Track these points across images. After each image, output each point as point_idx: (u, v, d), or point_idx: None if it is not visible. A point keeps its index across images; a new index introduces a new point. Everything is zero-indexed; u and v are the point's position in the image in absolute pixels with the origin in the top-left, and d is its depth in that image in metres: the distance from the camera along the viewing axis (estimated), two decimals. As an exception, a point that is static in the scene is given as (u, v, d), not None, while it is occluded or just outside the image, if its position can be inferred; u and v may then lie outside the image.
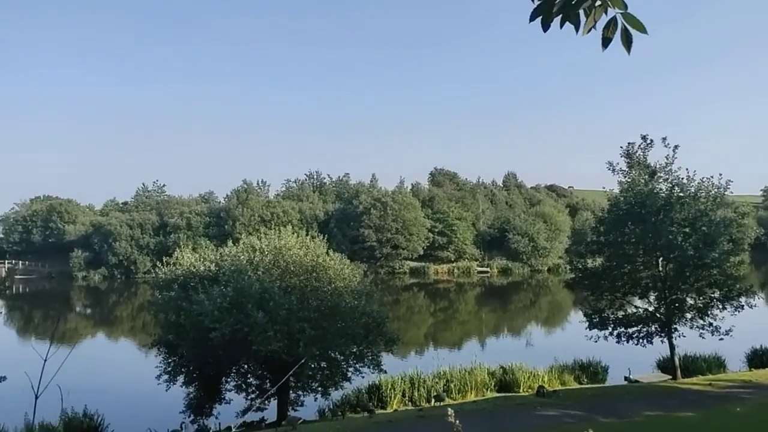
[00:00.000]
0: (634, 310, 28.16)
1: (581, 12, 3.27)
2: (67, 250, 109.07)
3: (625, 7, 3.23)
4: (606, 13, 3.26)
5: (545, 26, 3.35)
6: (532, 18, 3.35)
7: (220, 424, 24.23)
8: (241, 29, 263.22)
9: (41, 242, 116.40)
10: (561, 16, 3.31)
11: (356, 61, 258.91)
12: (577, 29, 3.33)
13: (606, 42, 3.31)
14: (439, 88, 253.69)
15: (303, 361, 22.18)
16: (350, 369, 25.46)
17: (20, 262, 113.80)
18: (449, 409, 2.43)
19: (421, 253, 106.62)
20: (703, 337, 26.73)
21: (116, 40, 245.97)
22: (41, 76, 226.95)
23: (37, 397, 2.42)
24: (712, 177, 27.09)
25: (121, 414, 25.79)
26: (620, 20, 3.24)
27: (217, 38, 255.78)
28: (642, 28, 3.23)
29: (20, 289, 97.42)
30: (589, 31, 3.29)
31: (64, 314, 74.75)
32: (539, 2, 3.32)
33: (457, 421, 2.30)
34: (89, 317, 71.78)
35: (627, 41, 3.25)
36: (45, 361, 2.47)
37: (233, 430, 23.59)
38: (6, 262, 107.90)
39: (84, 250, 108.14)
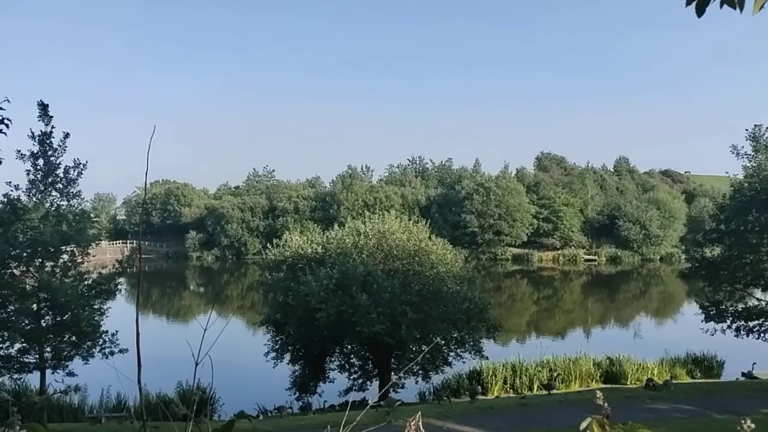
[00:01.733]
0: (756, 303, 26.60)
1: None
2: (183, 232, 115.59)
3: None
4: None
5: (701, 11, 3.25)
6: (689, 2, 3.26)
7: (325, 402, 25.09)
8: (338, 21, 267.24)
9: (159, 224, 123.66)
10: None
11: (459, 44, 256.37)
12: (740, 10, 3.20)
13: None
14: (546, 70, 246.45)
15: (416, 360, 22.55)
16: (451, 354, 25.64)
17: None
18: (598, 392, 2.49)
19: (525, 239, 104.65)
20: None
21: (227, 36, 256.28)
22: (161, 67, 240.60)
23: (197, 365, 2.73)
24: None
25: (231, 388, 27.19)
26: None
27: (319, 31, 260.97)
28: None
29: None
30: (761, 8, 3.16)
31: (181, 291, 79.50)
32: None
33: (606, 404, 2.34)
34: (202, 295, 75.90)
35: None
36: (204, 330, 2.78)
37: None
38: (128, 242, 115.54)
39: (198, 231, 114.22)
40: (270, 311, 27.01)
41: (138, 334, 3.32)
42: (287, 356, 26.42)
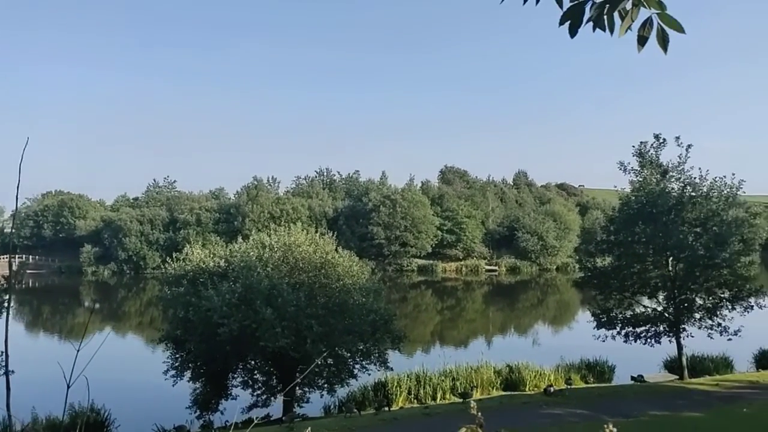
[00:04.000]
0: (643, 310, 28.11)
1: (616, 14, 3.25)
2: (77, 245, 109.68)
3: (663, 7, 3.20)
4: (638, 15, 3.23)
5: (573, 32, 3.33)
6: (562, 22, 3.32)
7: (226, 422, 24.36)
8: (247, 28, 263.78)
9: (52, 237, 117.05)
10: (592, 21, 3.29)
11: (368, 59, 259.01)
12: (611, 32, 3.31)
13: (642, 41, 3.27)
14: (450, 86, 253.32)
15: (317, 361, 22.30)
16: (356, 366, 25.55)
17: (30, 256, 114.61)
18: (472, 401, 2.52)
19: (430, 251, 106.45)
20: (711, 338, 26.67)
21: (126, 39, 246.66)
22: (52, 73, 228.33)
23: (69, 387, 2.52)
24: (724, 177, 26.97)
25: (128, 409, 25.96)
26: (656, 20, 3.21)
27: (225, 37, 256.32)
28: (679, 28, 3.20)
29: (30, 284, 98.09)
30: (626, 31, 3.28)
31: (75, 308, 75.25)
32: (569, 6, 3.29)
33: (479, 414, 2.38)
34: (98, 312, 72.21)
35: (663, 41, 3.23)
36: (77, 351, 2.57)
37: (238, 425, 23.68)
38: (17, 256, 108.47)
39: (94, 245, 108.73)
40: (169, 327, 25.98)
41: (7, 356, 3.05)
42: (188, 373, 25.45)
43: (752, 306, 26.19)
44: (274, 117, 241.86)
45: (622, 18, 3.25)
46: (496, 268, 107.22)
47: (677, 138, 26.91)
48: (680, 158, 27.06)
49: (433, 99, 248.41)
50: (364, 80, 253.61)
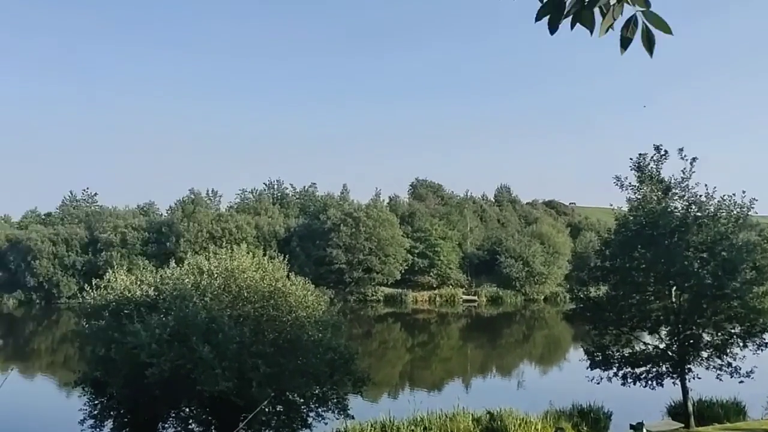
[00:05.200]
0: (643, 347, 28.40)
1: (596, 11, 3.30)
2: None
3: (647, 5, 3.25)
4: (622, 13, 3.28)
5: (553, 28, 3.36)
6: (538, 18, 3.35)
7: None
8: (197, 35, 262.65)
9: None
10: (572, 17, 3.33)
11: (334, 65, 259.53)
12: (590, 31, 3.35)
13: (625, 42, 3.29)
14: (425, 93, 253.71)
15: (259, 408, 22.07)
16: (311, 414, 25.37)
17: None
18: None
19: (398, 277, 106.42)
20: (720, 379, 27.06)
21: (42, 41, 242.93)
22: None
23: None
24: (734, 195, 27.37)
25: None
26: (641, 19, 3.25)
27: (164, 41, 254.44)
28: (666, 28, 3.25)
29: None
30: (607, 31, 3.30)
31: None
32: (546, 0, 3.35)
33: None
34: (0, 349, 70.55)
35: (649, 42, 3.27)
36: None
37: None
38: None
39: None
40: (87, 368, 25.57)
41: None
42: (109, 423, 25.07)
43: (766, 343, 26.65)
44: (217, 121, 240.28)
45: (603, 15, 3.29)
46: (476, 298, 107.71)
47: (680, 150, 27.25)
48: (684, 173, 27.43)
49: (404, 106, 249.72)
50: (327, 87, 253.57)
